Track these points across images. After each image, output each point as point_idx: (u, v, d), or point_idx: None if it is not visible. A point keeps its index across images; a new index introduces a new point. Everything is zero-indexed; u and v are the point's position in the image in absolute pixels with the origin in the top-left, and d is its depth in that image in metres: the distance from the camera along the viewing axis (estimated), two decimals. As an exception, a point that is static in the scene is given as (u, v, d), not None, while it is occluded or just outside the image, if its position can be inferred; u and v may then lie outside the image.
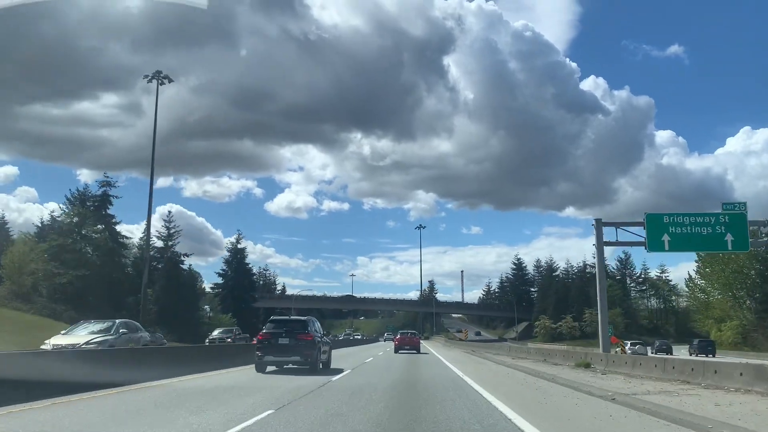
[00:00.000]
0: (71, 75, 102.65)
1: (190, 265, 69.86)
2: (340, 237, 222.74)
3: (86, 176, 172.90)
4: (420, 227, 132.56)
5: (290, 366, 18.21)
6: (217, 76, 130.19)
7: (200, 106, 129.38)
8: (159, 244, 69.89)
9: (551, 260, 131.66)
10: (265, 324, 19.56)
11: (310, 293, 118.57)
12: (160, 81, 46.24)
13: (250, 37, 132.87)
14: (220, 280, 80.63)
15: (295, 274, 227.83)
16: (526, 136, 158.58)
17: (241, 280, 79.38)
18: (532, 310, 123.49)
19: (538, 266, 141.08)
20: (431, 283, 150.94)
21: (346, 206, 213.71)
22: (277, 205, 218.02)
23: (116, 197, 61.44)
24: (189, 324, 62.07)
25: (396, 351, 38.61)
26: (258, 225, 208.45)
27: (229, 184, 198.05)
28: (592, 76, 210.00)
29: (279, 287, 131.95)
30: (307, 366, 17.82)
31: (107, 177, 63.78)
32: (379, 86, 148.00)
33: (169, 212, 72.40)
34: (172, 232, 71.09)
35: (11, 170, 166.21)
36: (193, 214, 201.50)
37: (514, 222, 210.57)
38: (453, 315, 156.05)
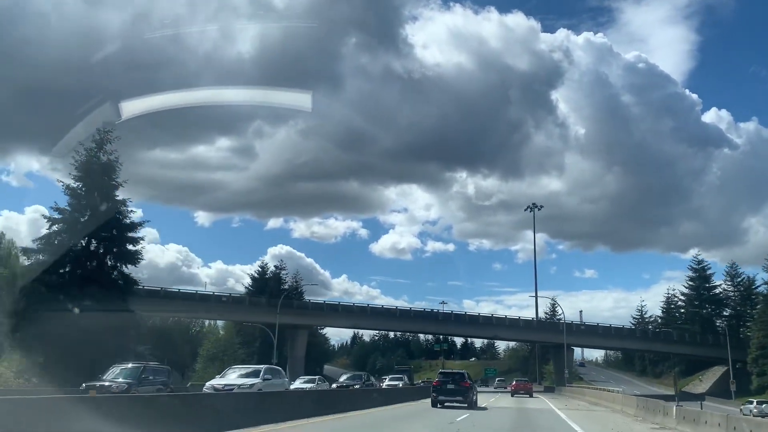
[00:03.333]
0: (188, 120, 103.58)
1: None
2: (445, 279, 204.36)
3: (203, 218, 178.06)
4: (532, 206, 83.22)
5: (453, 404, 25.83)
6: (324, 118, 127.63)
7: (308, 149, 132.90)
8: None
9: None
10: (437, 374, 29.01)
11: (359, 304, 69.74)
12: None
13: (355, 78, 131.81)
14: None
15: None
16: (645, 172, 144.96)
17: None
18: (736, 345, 67.86)
19: (732, 275, 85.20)
20: (552, 306, 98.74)
21: (451, 247, 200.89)
22: (381, 246, 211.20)
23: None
24: None
25: (512, 395, 46.18)
26: (363, 266, 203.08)
27: (336, 225, 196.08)
28: (714, 109, 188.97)
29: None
30: (466, 404, 25.84)
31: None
32: (485, 123, 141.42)
33: None
34: None
35: (136, 213, 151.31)
36: (303, 254, 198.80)
37: (631, 265, 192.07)
38: (577, 359, 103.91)
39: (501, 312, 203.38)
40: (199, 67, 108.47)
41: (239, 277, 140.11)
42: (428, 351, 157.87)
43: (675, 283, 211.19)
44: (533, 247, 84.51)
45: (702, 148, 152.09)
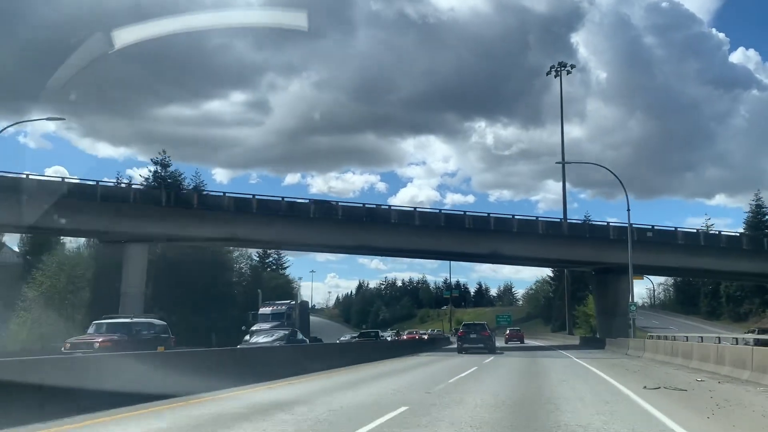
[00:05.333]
0: (200, 74, 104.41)
1: None
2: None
3: (221, 175, 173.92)
4: (559, 67, 53.36)
5: (476, 350, 29.00)
6: (338, 69, 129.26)
7: (322, 102, 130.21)
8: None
9: None
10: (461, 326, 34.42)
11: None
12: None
13: (368, 26, 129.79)
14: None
15: (421, 269, 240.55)
16: (668, 117, 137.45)
17: None
18: None
19: None
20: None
21: (470, 199, 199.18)
22: (400, 200, 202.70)
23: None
24: None
25: (506, 342, 48.04)
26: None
27: (353, 180, 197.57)
28: (741, 48, 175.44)
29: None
30: (487, 350, 29.13)
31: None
32: (503, 70, 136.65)
33: None
34: None
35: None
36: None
37: (654, 212, 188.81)
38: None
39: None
40: (209, 17, 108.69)
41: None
42: (438, 299, 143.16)
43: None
44: (560, 123, 54.30)
45: (729, 90, 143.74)
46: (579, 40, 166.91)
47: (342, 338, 36.58)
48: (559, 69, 56.95)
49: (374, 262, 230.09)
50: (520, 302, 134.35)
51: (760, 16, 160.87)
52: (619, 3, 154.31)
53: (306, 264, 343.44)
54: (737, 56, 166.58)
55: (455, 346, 44.55)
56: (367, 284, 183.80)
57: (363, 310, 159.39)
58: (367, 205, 35.27)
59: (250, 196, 33.52)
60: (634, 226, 37.94)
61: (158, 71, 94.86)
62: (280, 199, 33.77)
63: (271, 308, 26.77)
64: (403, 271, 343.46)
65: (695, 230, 40.27)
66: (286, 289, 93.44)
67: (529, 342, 56.39)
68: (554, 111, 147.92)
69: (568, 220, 40.17)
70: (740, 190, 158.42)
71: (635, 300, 34.23)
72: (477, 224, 36.44)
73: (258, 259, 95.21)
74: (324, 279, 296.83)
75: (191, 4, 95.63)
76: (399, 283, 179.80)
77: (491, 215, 36.72)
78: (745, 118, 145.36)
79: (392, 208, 35.68)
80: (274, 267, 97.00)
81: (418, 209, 35.98)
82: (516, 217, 37.04)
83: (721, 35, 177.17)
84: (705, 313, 74.60)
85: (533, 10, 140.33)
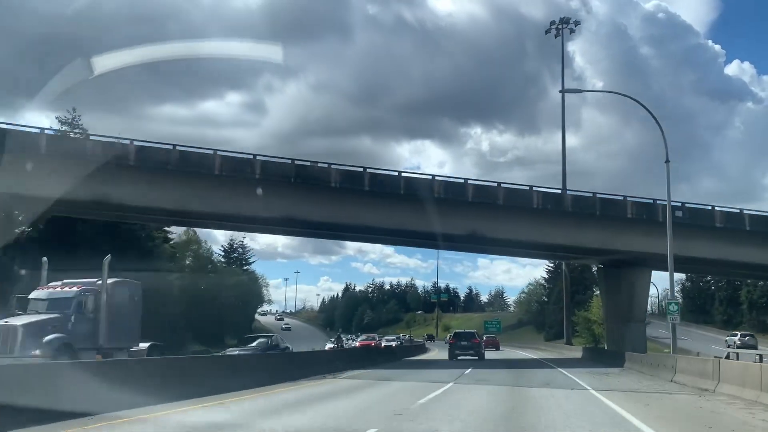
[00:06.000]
0: (196, 74, 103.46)
1: None
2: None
3: None
4: (561, 25, 44.14)
5: (466, 356, 31.86)
6: (335, 72, 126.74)
7: (319, 104, 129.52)
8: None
9: None
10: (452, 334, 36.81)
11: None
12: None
13: (365, 29, 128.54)
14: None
15: (415, 274, 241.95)
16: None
17: None
18: None
19: None
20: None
21: None
22: None
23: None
24: None
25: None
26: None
27: None
28: (737, 61, 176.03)
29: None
30: (477, 357, 32.08)
31: None
32: (499, 76, 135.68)
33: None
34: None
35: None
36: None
37: None
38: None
39: (515, 270, 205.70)
40: (206, 17, 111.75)
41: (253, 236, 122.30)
42: (426, 303, 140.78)
43: None
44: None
45: (724, 101, 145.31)
46: (575, 48, 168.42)
47: (258, 341, 27.75)
48: (560, 27, 47.76)
49: (367, 266, 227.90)
50: (512, 308, 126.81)
51: (755, 29, 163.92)
52: (615, 13, 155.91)
53: (296, 266, 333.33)
54: (732, 68, 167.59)
55: (423, 357, 36.75)
56: (354, 287, 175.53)
57: (347, 314, 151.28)
58: (297, 162, 25.52)
59: (127, 142, 23.75)
60: (658, 202, 28.52)
61: (154, 71, 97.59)
62: (171, 147, 23.90)
63: (49, 290, 16.20)
64: (396, 275, 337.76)
65: (738, 210, 30.55)
66: (252, 288, 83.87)
67: (518, 353, 47.33)
68: (549, 118, 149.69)
69: (569, 191, 30.28)
70: (734, 201, 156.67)
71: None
72: (450, 193, 26.55)
73: (223, 253, 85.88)
74: (317, 282, 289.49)
75: (173, 30, 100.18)
76: (387, 287, 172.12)
77: (468, 182, 27.00)
78: (740, 130, 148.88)
79: (332, 166, 25.73)
80: (239, 262, 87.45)
81: (368, 169, 26.06)
82: (503, 185, 27.36)
83: (717, 47, 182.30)
84: (720, 322, 65.35)
85: (530, 18, 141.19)
